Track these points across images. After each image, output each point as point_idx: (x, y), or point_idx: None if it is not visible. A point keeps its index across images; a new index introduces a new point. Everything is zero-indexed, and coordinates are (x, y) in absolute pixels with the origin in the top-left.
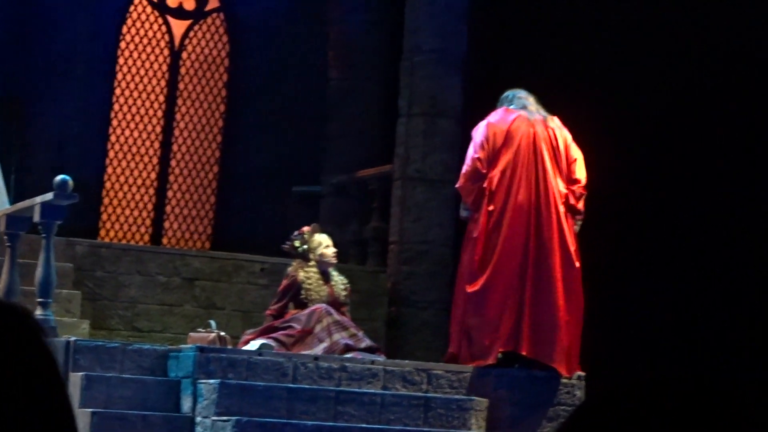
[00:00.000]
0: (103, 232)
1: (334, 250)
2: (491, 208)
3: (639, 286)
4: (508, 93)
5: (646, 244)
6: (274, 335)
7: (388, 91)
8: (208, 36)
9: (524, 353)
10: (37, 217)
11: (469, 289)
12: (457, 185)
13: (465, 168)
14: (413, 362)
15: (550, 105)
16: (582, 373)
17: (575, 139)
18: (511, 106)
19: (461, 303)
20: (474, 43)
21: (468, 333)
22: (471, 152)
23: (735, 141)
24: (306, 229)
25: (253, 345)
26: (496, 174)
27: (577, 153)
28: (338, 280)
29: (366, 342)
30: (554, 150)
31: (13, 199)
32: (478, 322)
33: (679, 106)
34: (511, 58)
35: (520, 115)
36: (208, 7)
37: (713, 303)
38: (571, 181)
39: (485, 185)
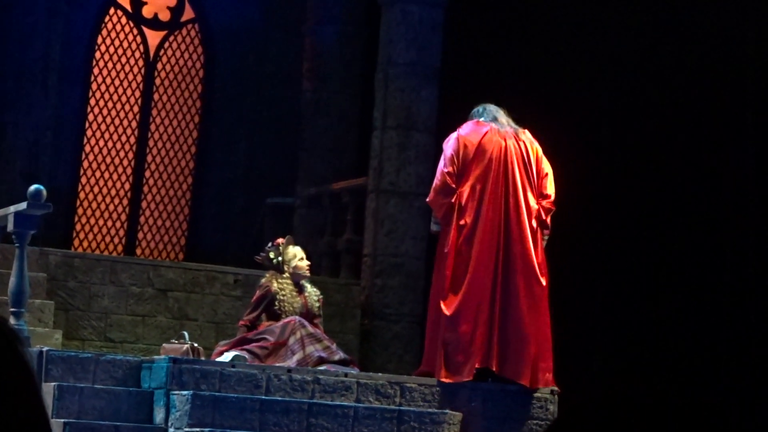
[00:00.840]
0: (76, 242)
1: (308, 262)
2: (462, 222)
3: (612, 299)
4: (479, 107)
5: (616, 256)
6: (247, 347)
7: (363, 104)
8: (183, 47)
9: (494, 369)
10: (10, 227)
11: (445, 306)
12: (427, 199)
13: (435, 182)
14: (387, 375)
15: (523, 116)
16: (555, 388)
17: (547, 151)
18: (482, 119)
19: (436, 319)
20: (448, 56)
21: (444, 349)
22: (441, 166)
23: (710, 152)
24: (280, 240)
25: (227, 356)
26: (466, 189)
27: (547, 167)
28: (311, 291)
29: (339, 354)
30: (525, 164)
31: None
32: (454, 339)
33: (654, 119)
34: (485, 70)
35: (492, 128)
36: (183, 18)
37: (689, 316)
38: (541, 195)
39: (454, 200)
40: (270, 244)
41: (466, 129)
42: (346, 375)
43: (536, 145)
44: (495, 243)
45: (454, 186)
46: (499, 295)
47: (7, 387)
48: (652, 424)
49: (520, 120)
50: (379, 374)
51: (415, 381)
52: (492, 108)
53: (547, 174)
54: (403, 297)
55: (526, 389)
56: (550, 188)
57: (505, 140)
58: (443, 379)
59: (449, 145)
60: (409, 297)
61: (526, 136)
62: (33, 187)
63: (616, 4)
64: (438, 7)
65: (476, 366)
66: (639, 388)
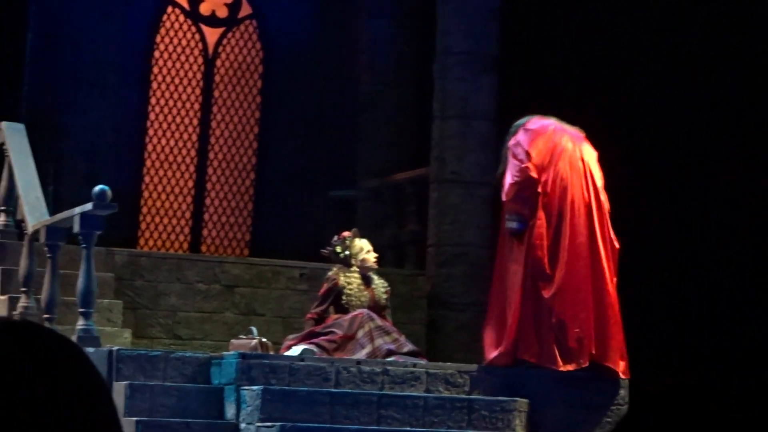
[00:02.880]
0: (142, 241)
1: (375, 255)
2: (550, 212)
3: (677, 286)
4: (523, 118)
5: (683, 244)
6: (315, 340)
7: (421, 94)
8: (241, 43)
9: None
10: (76, 228)
11: (546, 294)
12: (505, 199)
13: (513, 179)
14: (455, 365)
15: (581, 103)
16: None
17: (605, 139)
18: (539, 117)
19: (533, 308)
20: (505, 43)
21: (556, 337)
22: (517, 162)
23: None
24: (346, 234)
25: (295, 350)
26: (549, 179)
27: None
28: (378, 283)
29: (408, 346)
30: (593, 159)
31: (52, 210)
32: (562, 326)
33: (714, 109)
34: (542, 56)
35: (556, 124)
36: (241, 15)
37: (754, 303)
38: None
39: (539, 189)
40: (336, 238)
41: (533, 123)
42: (414, 365)
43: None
44: (585, 228)
45: (536, 177)
46: (591, 282)
47: (78, 393)
48: (719, 409)
49: (577, 107)
50: (448, 363)
51: (484, 369)
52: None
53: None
54: (468, 286)
55: (594, 375)
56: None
57: (570, 135)
58: (562, 368)
59: (520, 140)
60: (474, 286)
61: (584, 134)
62: (98, 188)
63: None
64: None
65: (592, 352)
66: (709, 375)
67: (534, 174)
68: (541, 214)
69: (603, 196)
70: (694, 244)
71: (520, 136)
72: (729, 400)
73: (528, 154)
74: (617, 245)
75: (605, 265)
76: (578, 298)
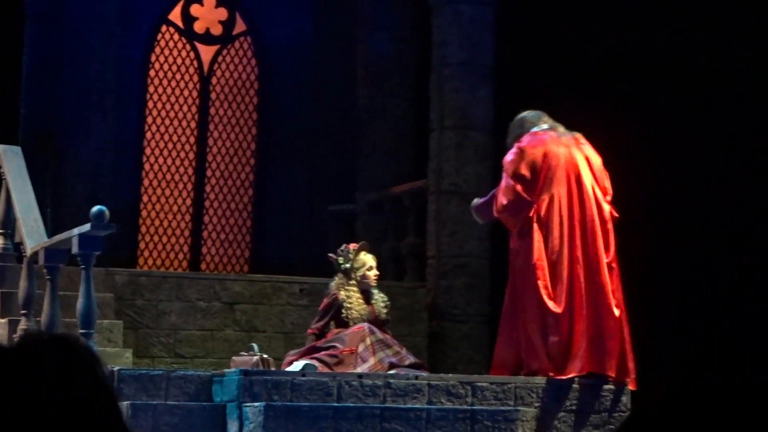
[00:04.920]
0: (141, 261)
1: (377, 273)
2: (546, 233)
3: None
4: (525, 116)
5: (689, 251)
6: (317, 355)
7: (418, 106)
8: (236, 60)
9: (593, 369)
10: (75, 249)
11: (550, 309)
12: (495, 214)
13: (504, 199)
14: (457, 375)
15: (578, 113)
16: (628, 380)
17: (608, 145)
18: (537, 129)
19: (536, 321)
20: (502, 54)
21: (551, 350)
22: (508, 182)
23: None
24: (353, 246)
25: (297, 366)
26: (545, 199)
27: (603, 167)
28: (378, 298)
29: (410, 359)
30: (590, 167)
31: (51, 232)
32: (559, 339)
33: (712, 119)
34: (538, 66)
35: (552, 137)
36: (235, 31)
37: (760, 307)
38: (604, 192)
39: (533, 213)
40: (343, 247)
41: (527, 141)
42: (416, 377)
43: (591, 148)
44: (580, 248)
45: (530, 199)
46: (587, 298)
47: (88, 408)
48: (725, 416)
49: (574, 116)
50: (450, 375)
51: (486, 380)
52: (540, 114)
53: (606, 173)
54: (469, 297)
55: (599, 382)
56: (609, 185)
57: (568, 148)
58: (560, 376)
59: (513, 160)
60: (475, 297)
61: (583, 140)
62: (96, 208)
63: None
64: (488, 5)
65: (586, 367)
66: (712, 381)
67: (528, 196)
68: (538, 235)
69: (606, 206)
70: (698, 248)
71: (514, 155)
72: (733, 406)
73: (521, 174)
74: (612, 256)
75: (603, 281)
76: (579, 312)
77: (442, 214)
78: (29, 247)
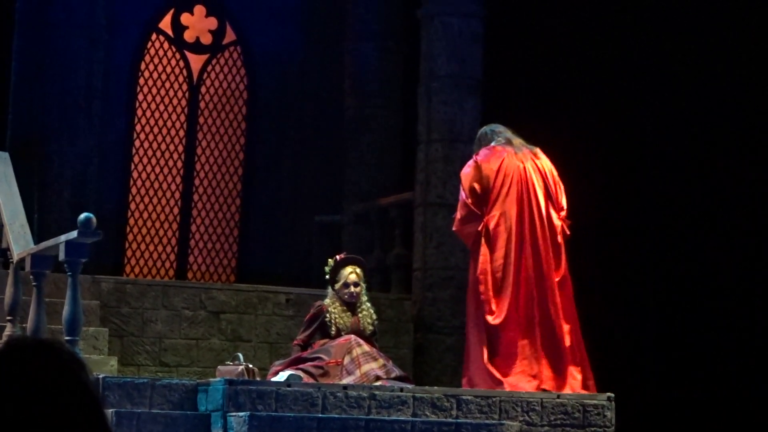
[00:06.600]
0: (128, 269)
1: (356, 289)
2: (494, 247)
3: (659, 305)
4: (485, 130)
5: (661, 260)
6: (302, 366)
7: (406, 118)
8: (225, 69)
9: (546, 388)
10: (62, 256)
11: (488, 323)
12: (453, 228)
13: (458, 213)
14: (442, 388)
15: (562, 126)
16: (611, 394)
17: (586, 160)
18: (494, 144)
19: (479, 337)
20: (489, 66)
21: (494, 362)
22: (462, 196)
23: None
24: (339, 257)
25: (282, 376)
26: (494, 214)
27: (560, 181)
28: (366, 314)
29: (396, 372)
30: (546, 183)
31: (37, 238)
32: (503, 352)
33: (697, 128)
34: (526, 79)
35: (508, 152)
36: (225, 41)
37: (736, 318)
38: (558, 208)
39: (481, 228)
40: (337, 257)
41: (482, 155)
42: (401, 390)
43: (549, 162)
44: (527, 264)
45: (479, 213)
46: (537, 311)
47: (72, 413)
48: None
49: (562, 128)
50: (435, 387)
51: (470, 393)
52: (500, 128)
53: (562, 188)
54: (454, 309)
55: (582, 396)
56: (564, 201)
57: (523, 163)
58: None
59: (468, 174)
60: (461, 309)
61: (540, 154)
62: (83, 216)
63: (657, 18)
64: (477, 18)
65: (540, 385)
66: (693, 393)
67: (478, 210)
68: (485, 249)
69: (558, 223)
70: (683, 256)
71: (470, 168)
72: (718, 416)
73: (473, 188)
74: (564, 271)
75: (554, 296)
76: (521, 327)
77: (428, 226)
78: (16, 253)
